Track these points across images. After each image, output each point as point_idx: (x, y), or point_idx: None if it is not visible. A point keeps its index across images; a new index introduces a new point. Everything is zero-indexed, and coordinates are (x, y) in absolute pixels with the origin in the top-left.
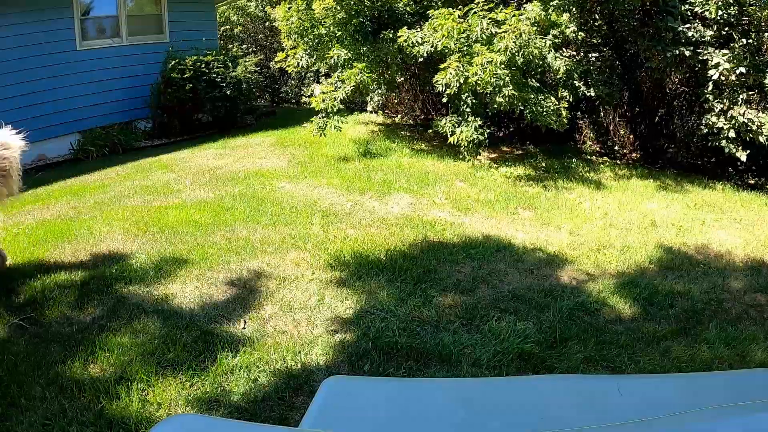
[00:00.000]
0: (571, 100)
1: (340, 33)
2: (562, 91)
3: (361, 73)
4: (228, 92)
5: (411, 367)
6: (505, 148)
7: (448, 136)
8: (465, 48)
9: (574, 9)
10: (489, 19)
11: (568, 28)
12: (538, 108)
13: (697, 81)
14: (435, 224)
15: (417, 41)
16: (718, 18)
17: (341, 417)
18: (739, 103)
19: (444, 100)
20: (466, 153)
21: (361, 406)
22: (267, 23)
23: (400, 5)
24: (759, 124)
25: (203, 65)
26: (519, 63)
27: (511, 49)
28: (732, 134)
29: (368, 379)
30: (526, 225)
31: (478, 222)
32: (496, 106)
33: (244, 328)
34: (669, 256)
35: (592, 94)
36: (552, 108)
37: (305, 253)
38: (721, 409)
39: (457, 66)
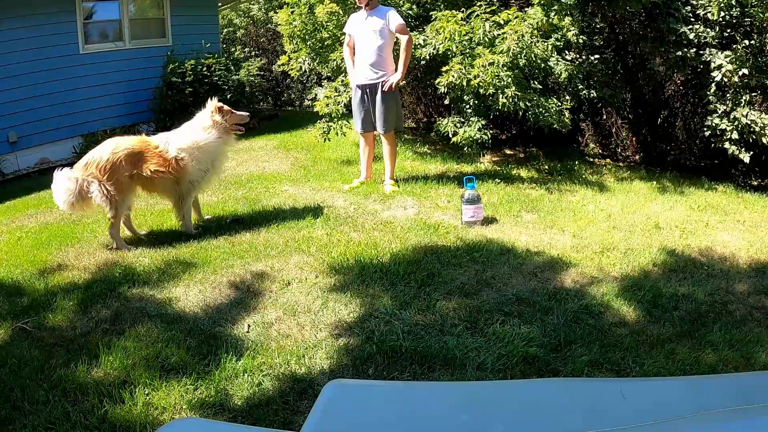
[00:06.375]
0: (573, 103)
1: (343, 37)
2: (564, 95)
3: None
4: (230, 96)
5: (415, 370)
6: (507, 151)
7: (450, 136)
8: (467, 50)
9: (576, 13)
10: (491, 21)
11: (570, 31)
12: (540, 110)
13: (699, 83)
14: (438, 227)
15: (419, 44)
16: (720, 19)
17: (343, 421)
18: (742, 104)
19: (446, 101)
20: (469, 153)
21: (363, 409)
22: (269, 26)
23: (404, 8)
24: (762, 125)
25: (204, 68)
26: (521, 65)
27: (513, 50)
28: (735, 136)
29: (371, 382)
30: (529, 228)
31: (481, 225)
32: (499, 107)
33: (247, 331)
34: (673, 258)
35: (595, 96)
36: (554, 109)
37: (309, 257)
38: (726, 412)
39: (460, 68)
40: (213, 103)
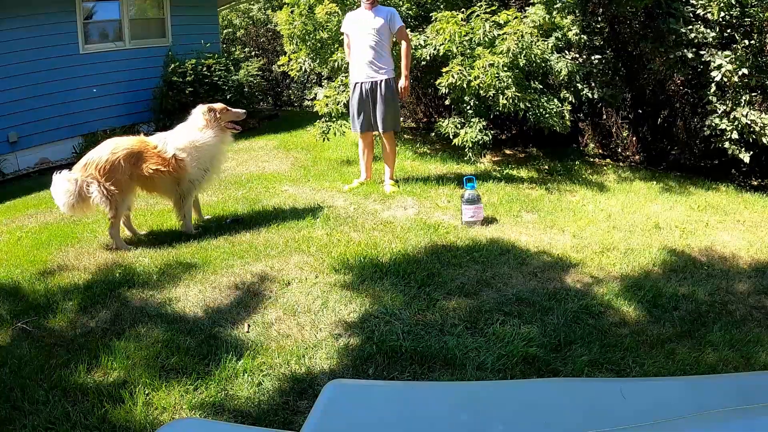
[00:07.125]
0: (573, 102)
1: (342, 37)
2: (565, 93)
3: None
4: (230, 96)
5: (415, 370)
6: (507, 151)
7: (452, 137)
8: (467, 51)
9: (577, 12)
10: (491, 21)
11: (571, 30)
12: (541, 110)
13: (699, 83)
14: (438, 227)
15: (420, 44)
16: (720, 19)
17: (343, 421)
18: (742, 104)
19: (447, 102)
20: (470, 154)
21: (363, 409)
22: (269, 26)
23: (403, 8)
24: (762, 125)
25: (204, 68)
26: (521, 65)
27: (513, 50)
28: (735, 135)
29: (371, 382)
30: (529, 228)
31: (481, 225)
32: (500, 108)
33: (247, 332)
34: (673, 258)
35: (595, 96)
36: (555, 110)
37: (309, 257)
38: (726, 412)
39: (459, 70)
40: (201, 108)
